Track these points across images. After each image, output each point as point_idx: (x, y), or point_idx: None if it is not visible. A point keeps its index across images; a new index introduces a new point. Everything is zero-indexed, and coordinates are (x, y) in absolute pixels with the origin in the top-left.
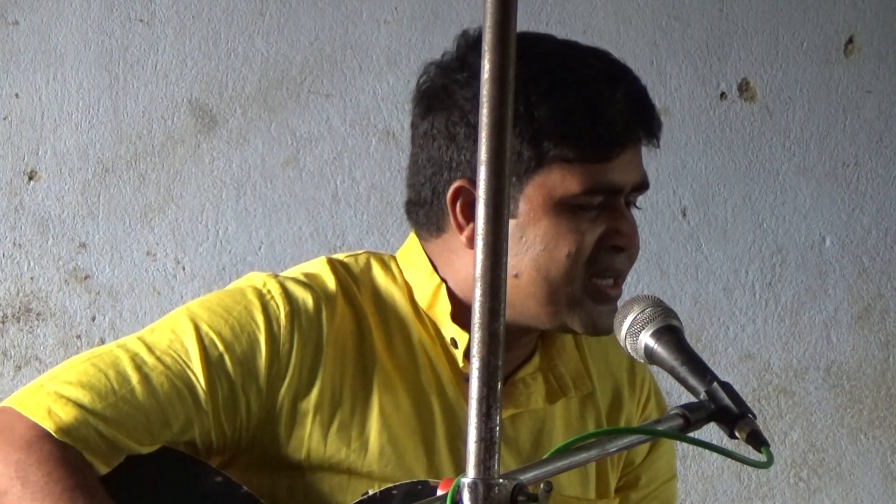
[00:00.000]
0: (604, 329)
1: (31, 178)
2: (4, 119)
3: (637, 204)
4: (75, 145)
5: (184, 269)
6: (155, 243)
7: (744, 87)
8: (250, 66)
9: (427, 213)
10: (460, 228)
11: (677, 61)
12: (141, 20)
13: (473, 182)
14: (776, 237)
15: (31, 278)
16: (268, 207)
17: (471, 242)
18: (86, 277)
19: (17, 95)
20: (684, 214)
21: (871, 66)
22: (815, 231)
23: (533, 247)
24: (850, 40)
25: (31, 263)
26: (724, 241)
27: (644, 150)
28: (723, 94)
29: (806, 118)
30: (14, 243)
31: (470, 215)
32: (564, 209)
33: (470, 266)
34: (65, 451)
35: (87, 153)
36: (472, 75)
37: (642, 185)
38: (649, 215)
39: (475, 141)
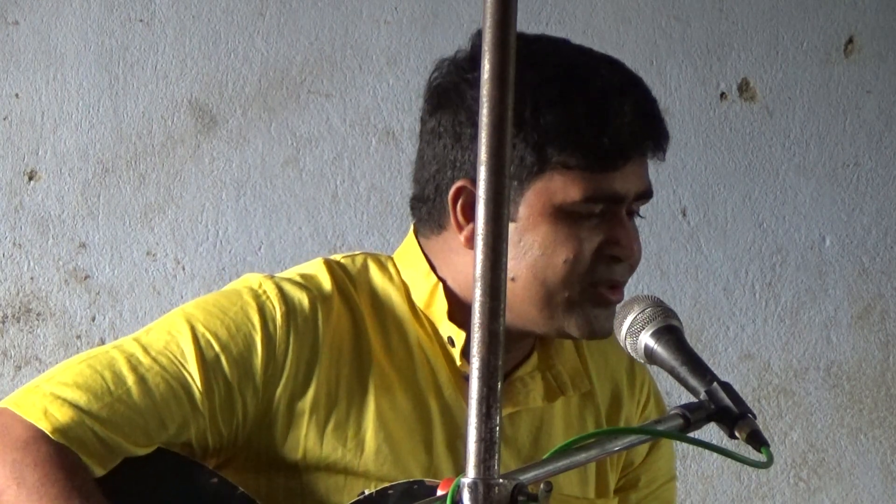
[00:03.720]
0: (601, 332)
1: (31, 178)
2: (4, 119)
3: (640, 213)
4: (75, 145)
5: (184, 269)
6: (155, 243)
7: (744, 87)
8: (250, 66)
9: (429, 209)
10: (460, 228)
11: (677, 61)
12: (141, 20)
13: (475, 182)
14: (776, 237)
15: (31, 278)
16: (268, 207)
17: (469, 243)
18: (86, 277)
19: (17, 95)
20: (684, 214)
21: (871, 66)
22: (815, 231)
23: (531, 251)
24: (850, 40)
25: (31, 263)
26: (724, 241)
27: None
28: (723, 95)
29: (806, 118)
30: (14, 243)
31: (470, 215)
32: (564, 216)
33: (469, 266)
34: (61, 453)
35: (87, 153)
36: None
37: (646, 194)
38: (649, 215)
39: None
